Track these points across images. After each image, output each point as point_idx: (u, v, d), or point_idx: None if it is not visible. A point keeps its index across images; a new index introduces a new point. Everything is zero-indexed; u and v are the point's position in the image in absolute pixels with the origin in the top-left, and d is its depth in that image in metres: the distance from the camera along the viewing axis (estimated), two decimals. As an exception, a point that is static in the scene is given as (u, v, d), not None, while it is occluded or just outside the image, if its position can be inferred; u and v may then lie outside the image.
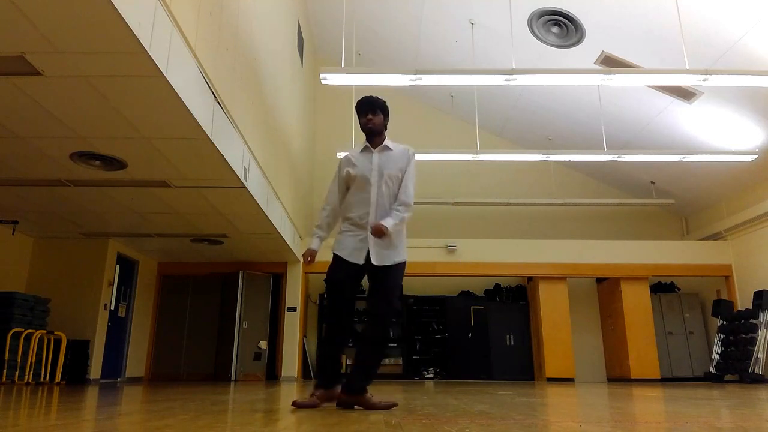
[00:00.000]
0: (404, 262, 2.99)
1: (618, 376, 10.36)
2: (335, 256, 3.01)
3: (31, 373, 6.63)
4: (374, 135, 3.05)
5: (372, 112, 3.05)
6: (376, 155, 3.02)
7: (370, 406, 2.78)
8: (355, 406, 2.82)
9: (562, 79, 6.58)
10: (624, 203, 11.09)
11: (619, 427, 2.00)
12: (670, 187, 10.82)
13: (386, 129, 3.13)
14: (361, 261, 2.90)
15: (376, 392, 2.97)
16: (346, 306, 2.94)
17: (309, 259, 3.11)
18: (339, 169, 3.11)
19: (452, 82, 8.15)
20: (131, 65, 3.60)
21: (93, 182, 5.80)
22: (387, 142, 3.08)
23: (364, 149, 3.06)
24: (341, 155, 8.33)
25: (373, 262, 2.88)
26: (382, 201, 2.94)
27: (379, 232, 2.81)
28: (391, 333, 2.82)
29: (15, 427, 1.92)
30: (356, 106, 3.11)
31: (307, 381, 9.26)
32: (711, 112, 8.40)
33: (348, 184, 3.06)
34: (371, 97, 3.11)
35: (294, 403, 2.84)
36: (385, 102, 3.14)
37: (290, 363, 9.60)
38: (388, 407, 2.80)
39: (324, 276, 10.27)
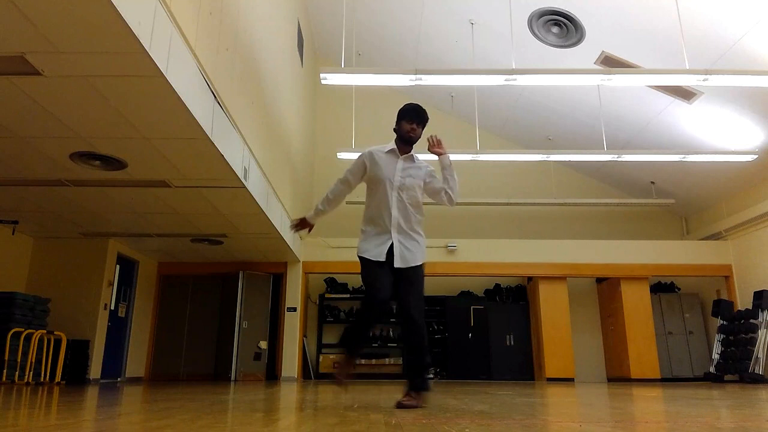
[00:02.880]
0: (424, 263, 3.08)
1: (618, 376, 10.35)
2: (364, 260, 3.02)
3: (31, 373, 6.63)
4: (408, 144, 3.11)
5: (419, 124, 3.11)
6: (401, 161, 3.08)
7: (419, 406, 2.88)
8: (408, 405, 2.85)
9: (562, 79, 6.58)
10: (624, 203, 11.08)
11: (619, 427, 2.00)
12: (670, 187, 10.82)
13: None
14: (383, 258, 2.95)
15: (376, 391, 2.97)
16: (383, 306, 2.95)
17: (300, 227, 3.22)
18: (362, 160, 3.13)
19: (452, 82, 8.18)
20: (131, 65, 3.59)
21: (93, 182, 5.80)
22: (414, 152, 3.17)
23: (390, 152, 3.11)
24: (341, 155, 8.39)
25: (396, 265, 2.94)
26: (402, 204, 3.01)
27: (439, 146, 3.04)
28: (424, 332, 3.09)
29: (15, 427, 1.92)
30: (407, 111, 3.12)
31: (306, 381, 9.26)
32: (711, 112, 8.40)
33: (370, 182, 3.11)
34: (423, 109, 3.13)
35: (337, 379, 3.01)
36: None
37: (290, 363, 9.59)
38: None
39: (324, 276, 10.30)
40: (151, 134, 4.66)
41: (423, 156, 3.23)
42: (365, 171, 3.10)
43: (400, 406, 2.84)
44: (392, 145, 3.12)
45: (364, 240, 3.04)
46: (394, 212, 2.98)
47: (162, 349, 9.78)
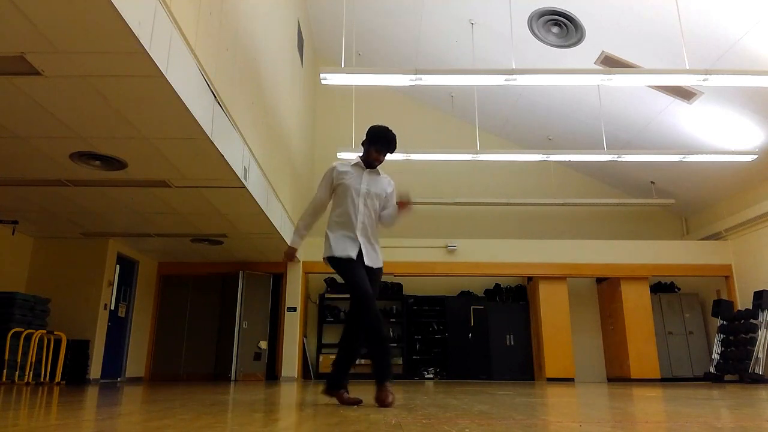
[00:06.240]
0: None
1: (618, 376, 10.35)
2: (338, 259, 3.15)
3: (31, 373, 6.63)
4: (371, 167, 3.33)
5: (386, 154, 3.30)
6: (366, 174, 3.32)
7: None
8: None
9: (562, 79, 6.58)
10: (624, 203, 11.08)
11: (619, 427, 2.00)
12: (670, 187, 10.82)
13: None
14: (354, 255, 3.15)
15: (372, 390, 2.99)
16: (373, 299, 3.09)
17: (291, 258, 3.45)
18: (329, 175, 3.34)
19: (452, 82, 8.15)
20: (131, 65, 3.60)
21: (93, 182, 5.80)
22: (378, 167, 3.38)
23: (356, 165, 3.33)
24: (341, 155, 8.40)
25: (367, 264, 3.17)
26: (367, 212, 3.26)
27: (407, 202, 3.26)
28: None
29: (15, 427, 1.92)
30: (378, 139, 3.27)
31: (306, 381, 9.26)
32: (711, 112, 8.40)
33: (336, 191, 3.30)
34: (395, 140, 3.30)
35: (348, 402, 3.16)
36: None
37: (290, 363, 9.59)
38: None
39: (324, 276, 10.34)
40: (151, 134, 4.67)
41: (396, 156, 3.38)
42: (332, 183, 3.31)
43: (384, 404, 2.92)
44: (357, 160, 3.35)
45: (333, 241, 3.19)
46: (360, 218, 3.22)
47: (162, 349, 9.78)
